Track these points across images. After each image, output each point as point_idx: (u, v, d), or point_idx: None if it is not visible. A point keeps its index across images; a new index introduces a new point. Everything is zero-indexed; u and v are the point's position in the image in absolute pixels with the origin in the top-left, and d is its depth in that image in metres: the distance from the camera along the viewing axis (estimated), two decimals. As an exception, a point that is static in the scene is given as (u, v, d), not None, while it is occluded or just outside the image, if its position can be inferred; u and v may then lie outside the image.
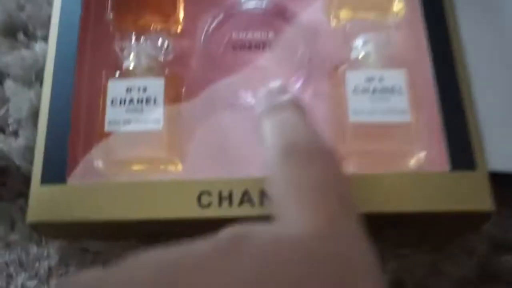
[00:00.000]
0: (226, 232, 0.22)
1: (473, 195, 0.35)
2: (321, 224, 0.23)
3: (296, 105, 0.31)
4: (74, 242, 0.40)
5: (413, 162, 0.38)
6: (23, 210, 0.41)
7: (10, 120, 0.44)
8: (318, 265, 0.21)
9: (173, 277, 0.20)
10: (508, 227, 0.39)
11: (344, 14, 0.42)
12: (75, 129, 0.39)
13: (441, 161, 0.37)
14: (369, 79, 0.38)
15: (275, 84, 0.33)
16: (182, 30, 0.44)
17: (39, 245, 0.40)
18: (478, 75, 0.39)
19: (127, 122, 0.39)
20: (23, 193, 0.42)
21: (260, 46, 0.41)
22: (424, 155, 0.37)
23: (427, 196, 0.35)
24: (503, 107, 0.41)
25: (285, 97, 0.31)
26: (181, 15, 0.44)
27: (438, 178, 0.36)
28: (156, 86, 0.40)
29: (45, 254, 0.40)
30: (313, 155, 0.27)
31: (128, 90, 0.40)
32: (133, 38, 0.41)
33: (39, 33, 0.47)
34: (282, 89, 0.33)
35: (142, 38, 0.41)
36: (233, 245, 0.21)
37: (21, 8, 0.48)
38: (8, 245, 0.40)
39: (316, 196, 0.25)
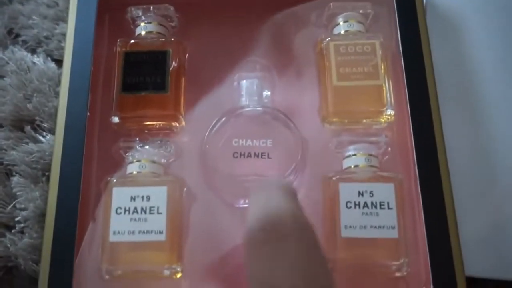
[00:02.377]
0: None
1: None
2: None
3: (286, 187, 0.32)
4: None
5: (398, 275, 0.40)
6: (29, 310, 0.43)
7: (17, 218, 0.45)
8: None
9: None
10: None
11: (337, 121, 0.44)
12: (80, 236, 0.41)
13: (424, 276, 0.39)
14: (360, 193, 0.40)
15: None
16: (184, 128, 0.45)
17: None
18: (459, 182, 0.42)
19: (131, 232, 0.40)
20: (29, 292, 0.43)
21: (259, 154, 0.42)
22: (408, 270, 0.39)
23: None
24: (481, 218, 0.44)
25: (277, 181, 0.33)
26: (183, 114, 0.45)
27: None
28: (159, 194, 0.41)
29: None
30: (289, 230, 0.28)
31: (132, 198, 0.41)
32: (137, 143, 0.43)
33: (45, 125, 0.49)
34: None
35: (146, 144, 0.43)
36: None
37: (28, 99, 0.49)
38: None
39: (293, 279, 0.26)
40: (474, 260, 0.42)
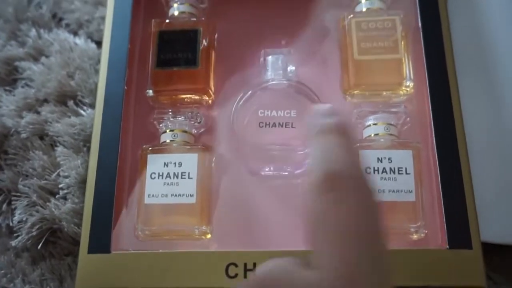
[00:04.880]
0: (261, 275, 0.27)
1: (468, 272, 0.39)
2: (345, 274, 0.25)
3: (342, 129, 0.31)
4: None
5: (415, 238, 0.42)
6: (71, 268, 0.47)
7: (61, 185, 0.49)
8: None
9: None
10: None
11: (358, 93, 0.46)
12: (118, 200, 0.44)
13: (441, 239, 0.41)
14: (379, 159, 0.42)
15: (323, 106, 0.34)
16: (213, 101, 0.48)
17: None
18: (476, 152, 0.44)
19: (164, 195, 0.43)
20: (71, 251, 0.47)
21: (284, 124, 0.45)
22: (425, 232, 0.41)
23: (427, 272, 0.39)
24: (497, 184, 0.45)
25: (332, 120, 0.31)
26: (213, 89, 0.48)
27: (437, 255, 0.40)
28: (190, 161, 0.44)
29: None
30: (350, 187, 0.28)
31: (165, 164, 0.44)
32: (170, 114, 0.46)
33: (86, 100, 0.52)
34: (330, 111, 0.33)
35: (178, 115, 0.46)
36: None
37: (71, 76, 0.53)
38: (58, 301, 0.46)
39: (345, 240, 0.26)
40: (491, 226, 0.43)
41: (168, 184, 0.44)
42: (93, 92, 0.52)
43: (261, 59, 0.48)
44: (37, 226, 0.47)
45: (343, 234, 0.27)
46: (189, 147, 0.45)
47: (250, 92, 0.46)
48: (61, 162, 0.49)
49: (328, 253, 0.27)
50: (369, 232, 0.27)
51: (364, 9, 0.48)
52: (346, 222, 0.27)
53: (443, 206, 0.41)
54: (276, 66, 0.47)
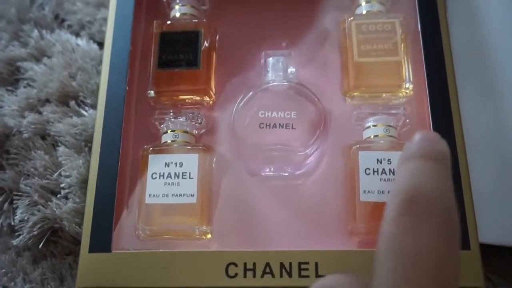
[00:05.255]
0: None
1: (466, 273, 0.39)
2: None
3: (443, 156, 0.29)
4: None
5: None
6: (71, 267, 0.47)
7: (62, 185, 0.49)
8: None
9: None
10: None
11: (358, 95, 0.46)
12: (119, 200, 0.44)
13: None
14: (379, 160, 0.42)
15: (431, 133, 0.33)
16: (214, 102, 0.49)
17: (85, 300, 0.45)
18: (475, 153, 0.45)
19: (165, 195, 0.44)
20: (72, 251, 0.48)
21: (284, 125, 0.45)
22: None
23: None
24: (496, 186, 0.45)
25: (438, 146, 0.30)
26: (214, 90, 0.48)
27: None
28: (191, 161, 0.44)
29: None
30: (434, 210, 0.26)
31: (166, 165, 0.44)
32: (171, 115, 0.46)
33: (88, 100, 0.53)
34: (436, 138, 0.31)
35: (179, 116, 0.46)
36: None
37: (72, 77, 0.54)
38: (58, 300, 0.46)
39: (416, 270, 0.25)
40: (489, 227, 0.43)
41: (169, 184, 0.44)
42: (94, 93, 0.53)
43: (262, 60, 0.49)
44: (38, 226, 0.47)
45: (414, 260, 0.25)
46: (190, 147, 0.45)
47: (250, 93, 0.47)
48: (63, 162, 0.50)
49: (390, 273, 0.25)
50: (443, 264, 0.25)
51: (364, 12, 0.48)
52: (420, 248, 0.25)
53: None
54: (277, 68, 0.47)
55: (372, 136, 0.44)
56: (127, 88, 0.47)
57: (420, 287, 0.24)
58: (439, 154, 0.29)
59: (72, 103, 0.53)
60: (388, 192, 0.42)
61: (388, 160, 0.42)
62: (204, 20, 0.50)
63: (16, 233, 0.48)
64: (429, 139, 0.30)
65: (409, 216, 0.26)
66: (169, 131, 0.46)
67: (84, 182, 0.48)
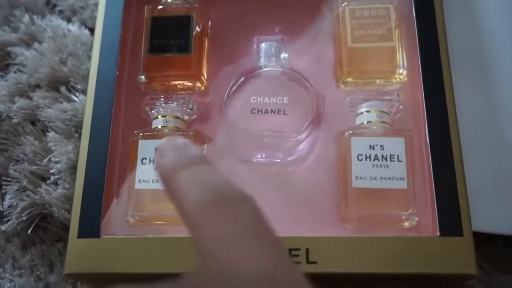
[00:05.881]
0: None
1: (459, 260, 0.39)
2: (269, 270, 0.23)
3: (204, 159, 0.30)
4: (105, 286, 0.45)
5: (407, 225, 0.41)
6: (61, 253, 0.46)
7: (52, 170, 0.48)
8: None
9: None
10: (490, 281, 0.44)
11: (351, 81, 0.46)
12: (109, 185, 0.44)
13: (432, 227, 0.41)
14: (371, 146, 0.42)
15: (180, 140, 0.32)
16: (206, 88, 0.48)
17: (74, 286, 0.45)
18: (469, 140, 0.44)
19: (155, 180, 0.43)
20: (62, 237, 0.47)
21: (276, 111, 0.45)
22: (417, 220, 0.41)
23: (419, 259, 0.39)
24: (490, 173, 0.45)
25: (193, 151, 0.30)
26: (205, 75, 0.48)
27: (429, 242, 0.39)
28: (181, 147, 0.44)
29: (80, 294, 0.45)
30: (237, 202, 0.26)
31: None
32: (162, 100, 0.46)
33: (79, 86, 0.52)
34: (188, 144, 0.31)
35: (170, 101, 0.46)
36: None
37: (63, 62, 0.53)
38: (47, 286, 0.45)
39: (255, 241, 0.25)
40: (483, 216, 0.43)
41: (159, 169, 0.43)
42: (85, 78, 0.52)
43: (254, 46, 0.48)
44: (27, 211, 0.47)
45: (257, 237, 0.25)
46: (180, 133, 0.45)
47: (242, 79, 0.46)
48: (53, 148, 0.49)
49: (251, 255, 0.25)
50: (276, 237, 0.26)
51: (358, -3, 0.48)
52: (252, 225, 0.26)
53: (434, 194, 0.41)
54: (269, 53, 0.47)
55: (365, 122, 0.43)
56: (118, 73, 0.47)
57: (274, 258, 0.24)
58: (199, 157, 0.30)
59: (63, 88, 0.52)
60: (381, 178, 0.41)
61: (381, 146, 0.42)
62: (196, 5, 0.49)
63: (5, 219, 0.48)
64: (183, 147, 0.31)
65: (220, 211, 0.26)
66: (159, 117, 0.45)
67: (73, 168, 0.48)
